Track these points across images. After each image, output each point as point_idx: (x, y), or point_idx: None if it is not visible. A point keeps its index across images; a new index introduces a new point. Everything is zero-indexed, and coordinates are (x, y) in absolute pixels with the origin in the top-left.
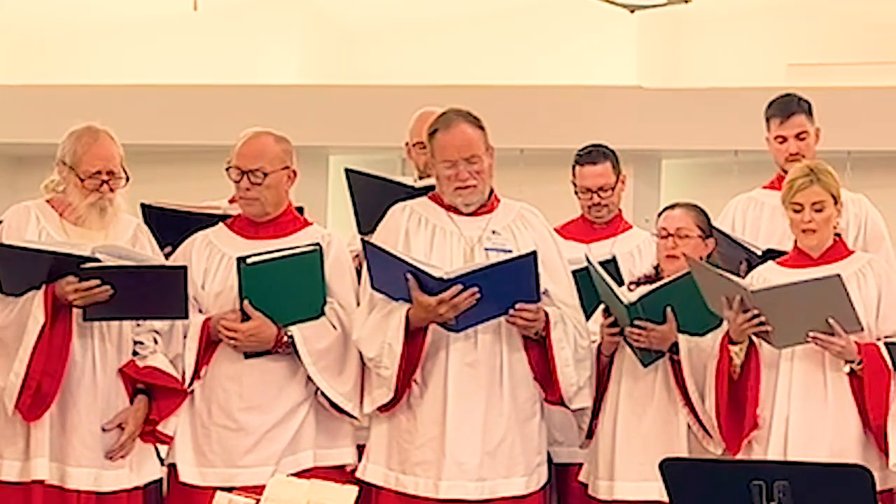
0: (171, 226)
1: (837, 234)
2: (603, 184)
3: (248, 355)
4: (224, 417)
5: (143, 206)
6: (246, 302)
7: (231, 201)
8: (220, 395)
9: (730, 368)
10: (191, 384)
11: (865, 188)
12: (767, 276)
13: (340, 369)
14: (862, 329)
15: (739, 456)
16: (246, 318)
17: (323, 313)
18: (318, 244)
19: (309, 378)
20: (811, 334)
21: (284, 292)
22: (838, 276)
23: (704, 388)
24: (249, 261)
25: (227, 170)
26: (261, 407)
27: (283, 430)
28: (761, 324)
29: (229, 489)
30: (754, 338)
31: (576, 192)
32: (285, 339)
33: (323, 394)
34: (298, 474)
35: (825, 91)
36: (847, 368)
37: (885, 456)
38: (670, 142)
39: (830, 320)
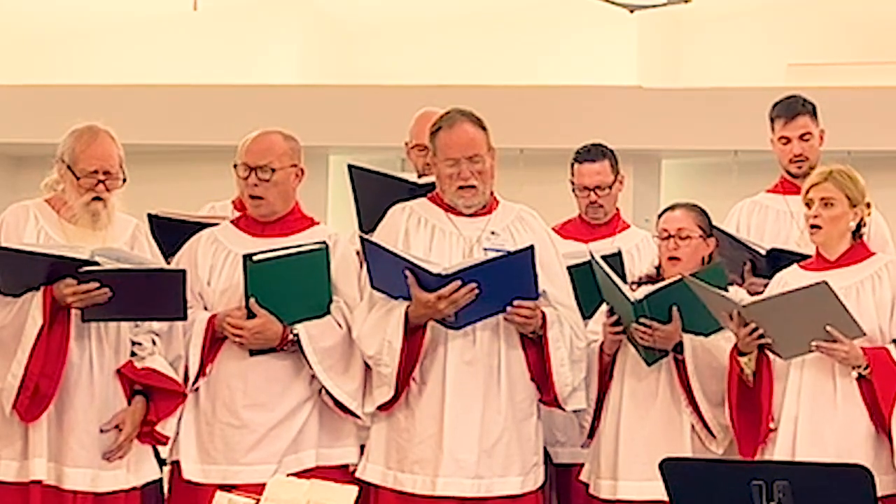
0: (178, 236)
1: (859, 236)
2: (600, 182)
3: (252, 353)
4: (228, 414)
5: (149, 216)
6: (252, 300)
7: (234, 202)
8: (225, 393)
9: (742, 377)
10: (195, 381)
11: (866, 188)
12: (788, 279)
13: (346, 368)
14: (864, 334)
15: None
16: (251, 315)
17: (328, 312)
18: (324, 242)
19: (313, 377)
20: (813, 344)
21: (290, 290)
22: (825, 282)
23: (709, 387)
24: (256, 258)
25: (235, 167)
26: (264, 405)
27: (286, 429)
28: (762, 336)
29: (231, 486)
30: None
31: (573, 191)
32: (291, 337)
33: (328, 392)
34: (301, 473)
35: (825, 91)
36: (855, 374)
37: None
38: (670, 142)
39: (829, 328)
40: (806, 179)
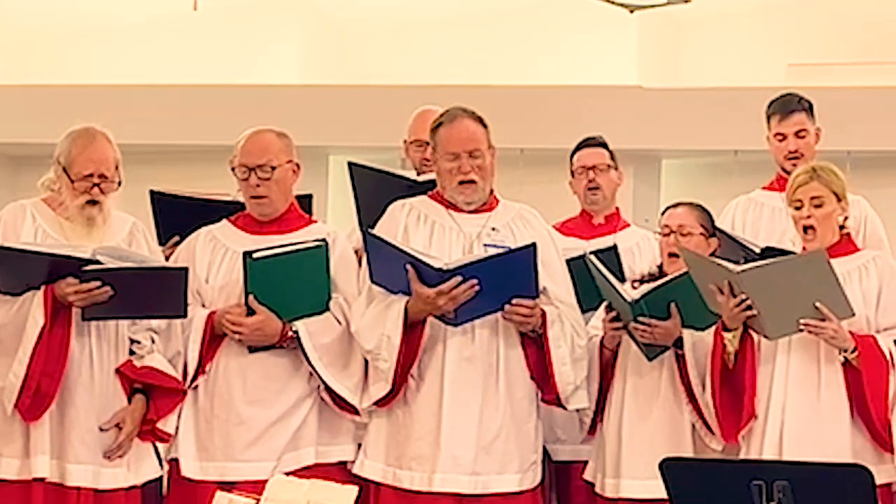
0: (179, 214)
1: (847, 233)
2: (598, 162)
3: (252, 349)
4: (227, 411)
5: (151, 192)
6: (251, 297)
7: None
8: (224, 389)
9: (724, 356)
10: (194, 379)
11: (865, 188)
12: None
13: (346, 364)
14: (853, 314)
15: (735, 447)
16: (251, 312)
17: (328, 308)
18: (324, 239)
19: (311, 374)
20: (802, 322)
21: (290, 287)
22: (823, 251)
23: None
24: (255, 256)
25: (233, 170)
26: (263, 401)
27: (285, 426)
28: (750, 308)
29: (230, 483)
30: (750, 330)
31: (572, 174)
32: (290, 333)
33: (327, 389)
34: (300, 470)
35: (825, 91)
36: (841, 358)
37: (888, 451)
38: (670, 142)
39: (818, 304)
40: (790, 179)
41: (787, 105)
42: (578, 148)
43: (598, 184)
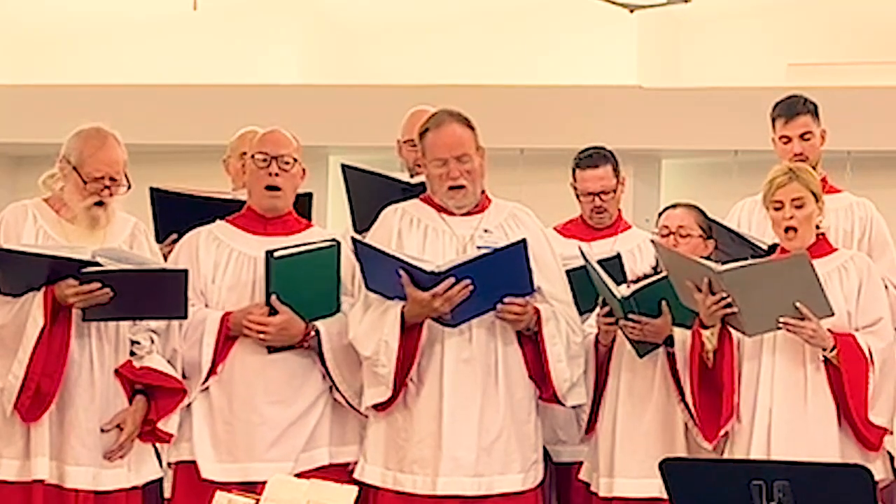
0: (179, 211)
1: (822, 233)
2: (604, 187)
3: (271, 350)
4: (248, 411)
5: (151, 189)
6: (274, 296)
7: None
8: (243, 390)
9: (702, 354)
10: (206, 381)
11: (865, 188)
12: None
13: (357, 369)
14: (833, 314)
15: (721, 449)
16: (273, 312)
17: (338, 310)
18: (335, 239)
19: (324, 374)
20: (781, 320)
21: (307, 287)
22: (805, 253)
23: None
24: (277, 254)
25: (252, 157)
26: (284, 401)
27: (302, 425)
28: (729, 305)
29: (251, 484)
30: (728, 327)
31: (577, 196)
32: (313, 333)
33: (338, 389)
34: (314, 471)
35: (825, 91)
36: (821, 357)
37: (871, 449)
38: (670, 142)
39: (798, 304)
40: (768, 181)
41: (792, 107)
42: (581, 166)
43: (605, 208)
